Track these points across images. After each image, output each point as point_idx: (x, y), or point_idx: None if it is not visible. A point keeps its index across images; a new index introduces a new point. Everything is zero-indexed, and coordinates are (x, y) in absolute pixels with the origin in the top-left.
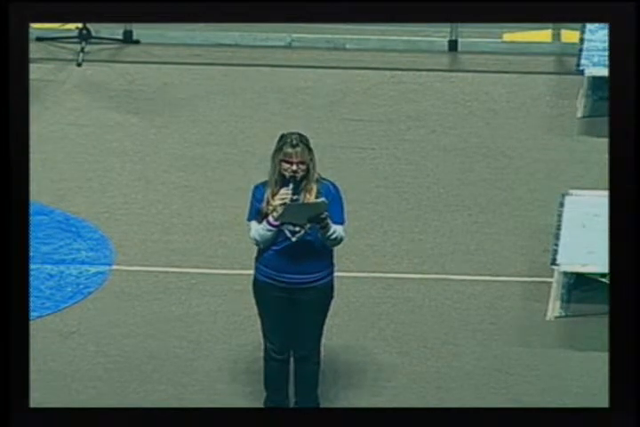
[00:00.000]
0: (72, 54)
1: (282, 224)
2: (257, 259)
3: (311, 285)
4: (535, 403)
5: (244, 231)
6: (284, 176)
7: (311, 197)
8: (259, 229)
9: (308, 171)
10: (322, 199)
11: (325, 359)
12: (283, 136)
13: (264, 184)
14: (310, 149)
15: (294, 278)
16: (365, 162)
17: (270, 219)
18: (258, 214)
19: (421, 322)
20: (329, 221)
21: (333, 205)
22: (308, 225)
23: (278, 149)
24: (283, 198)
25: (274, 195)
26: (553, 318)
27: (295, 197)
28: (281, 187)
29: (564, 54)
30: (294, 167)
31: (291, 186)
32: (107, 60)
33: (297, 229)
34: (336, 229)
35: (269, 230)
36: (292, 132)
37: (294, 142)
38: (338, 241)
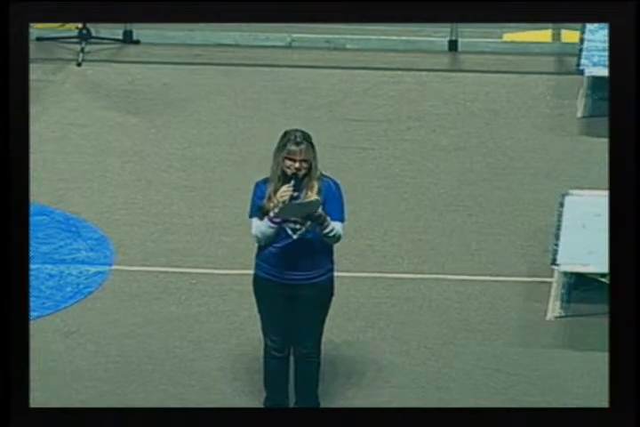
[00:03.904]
0: (72, 54)
1: (283, 221)
2: (257, 255)
3: (312, 282)
4: (535, 403)
5: (245, 231)
6: (286, 173)
7: (312, 194)
8: (260, 226)
9: (310, 168)
10: (315, 198)
11: (325, 359)
12: (286, 133)
13: (265, 181)
14: (313, 147)
15: (295, 275)
16: (365, 162)
17: (272, 216)
18: (259, 211)
19: (421, 322)
20: (326, 218)
21: (333, 202)
22: (309, 222)
23: (282, 147)
24: (283, 196)
25: (275, 191)
26: (553, 318)
27: (296, 195)
28: (283, 184)
29: (564, 54)
30: (297, 165)
31: (292, 183)
32: (107, 60)
33: (298, 226)
34: (334, 227)
35: (271, 227)
36: (296, 129)
37: (298, 140)
38: (336, 238)
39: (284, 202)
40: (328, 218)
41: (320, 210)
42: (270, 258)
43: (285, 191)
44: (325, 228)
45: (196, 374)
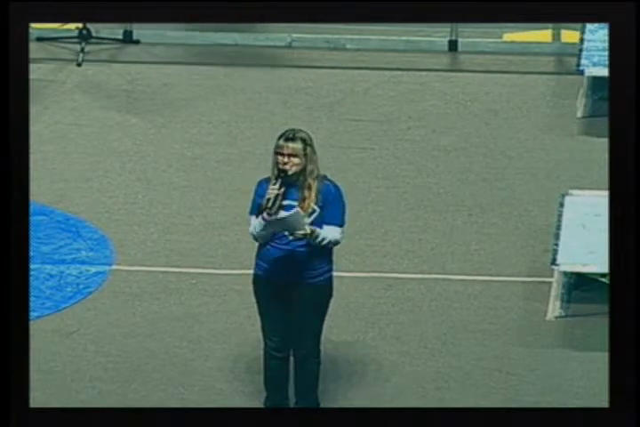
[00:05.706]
0: (72, 54)
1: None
2: (257, 255)
3: (310, 282)
4: (535, 403)
5: (244, 231)
6: (279, 170)
7: (311, 195)
8: (255, 224)
9: (302, 166)
10: (295, 210)
11: (325, 359)
12: (285, 132)
13: (267, 180)
14: (308, 145)
15: (293, 275)
16: (365, 162)
17: (264, 214)
18: (257, 209)
19: (421, 322)
20: (314, 232)
21: (333, 206)
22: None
23: (275, 143)
24: (269, 193)
25: None
26: (553, 318)
27: (282, 191)
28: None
29: (564, 54)
30: (285, 159)
31: (279, 180)
32: (107, 60)
33: None
34: (326, 234)
35: (264, 225)
36: (294, 128)
37: (289, 136)
38: (332, 244)
39: (268, 199)
40: (317, 230)
41: (306, 227)
42: (269, 257)
43: (272, 189)
44: (316, 239)
45: (196, 374)
